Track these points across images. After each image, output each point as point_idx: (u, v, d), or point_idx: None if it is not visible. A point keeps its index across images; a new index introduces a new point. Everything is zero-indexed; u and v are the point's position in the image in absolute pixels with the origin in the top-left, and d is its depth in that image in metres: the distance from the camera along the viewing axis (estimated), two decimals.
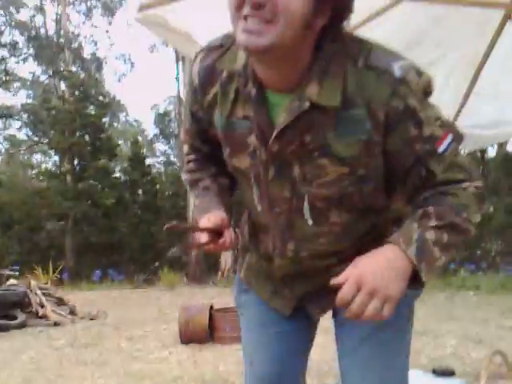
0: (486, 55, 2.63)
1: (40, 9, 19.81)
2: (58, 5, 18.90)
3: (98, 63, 20.68)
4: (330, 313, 1.26)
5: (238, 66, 1.04)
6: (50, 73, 18.58)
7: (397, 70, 0.95)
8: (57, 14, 19.13)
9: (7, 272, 7.76)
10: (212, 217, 1.13)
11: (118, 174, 16.14)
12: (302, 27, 0.91)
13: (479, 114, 2.95)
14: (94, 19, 24.88)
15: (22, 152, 20.45)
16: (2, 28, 19.28)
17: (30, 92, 20.86)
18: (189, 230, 1.16)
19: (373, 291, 0.91)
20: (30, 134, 18.85)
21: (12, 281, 6.98)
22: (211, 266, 12.11)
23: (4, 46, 18.69)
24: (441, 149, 0.99)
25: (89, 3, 20.61)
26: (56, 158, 16.92)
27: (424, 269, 0.96)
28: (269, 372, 1.29)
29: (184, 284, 10.99)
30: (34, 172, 18.91)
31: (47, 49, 18.57)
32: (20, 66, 31.84)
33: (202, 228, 1.12)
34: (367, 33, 2.10)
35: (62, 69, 17.50)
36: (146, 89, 39.15)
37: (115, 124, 22.52)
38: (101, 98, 16.16)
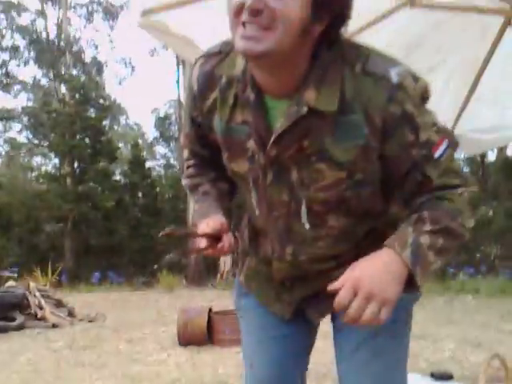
0: (486, 61, 2.64)
1: (41, 13, 19.86)
2: (60, 8, 18.96)
3: (99, 67, 20.72)
4: (328, 317, 1.26)
5: (236, 72, 1.05)
6: (51, 76, 18.61)
7: (394, 75, 0.96)
8: (58, 18, 19.19)
9: (6, 273, 7.76)
10: (211, 222, 1.14)
11: (118, 177, 16.15)
12: (299, 34, 0.92)
13: (479, 119, 2.96)
14: (95, 23, 24.98)
15: (22, 154, 20.47)
16: (4, 31, 19.36)
17: (31, 95, 20.90)
18: (185, 236, 1.17)
19: (369, 295, 0.92)
20: (31, 136, 18.88)
21: (11, 282, 6.99)
22: (210, 268, 12.10)
23: (5, 49, 18.75)
24: (437, 154, 1.00)
25: (90, 7, 20.69)
26: (56, 160, 16.93)
27: (419, 272, 0.97)
28: (268, 375, 1.29)
29: (183, 286, 10.98)
30: (34, 174, 18.93)
31: (48, 52, 18.60)
32: (21, 69, 31.99)
33: (199, 234, 1.13)
34: (369, 37, 2.13)
35: (62, 72, 17.54)
36: (146, 92, 39.22)
37: (115, 127, 22.54)
38: (101, 101, 16.17)
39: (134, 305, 8.16)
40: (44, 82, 20.43)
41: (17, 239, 13.68)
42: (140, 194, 15.03)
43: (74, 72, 18.56)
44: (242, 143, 1.08)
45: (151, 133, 31.20)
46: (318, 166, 1.03)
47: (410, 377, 1.32)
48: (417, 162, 1.00)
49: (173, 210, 14.66)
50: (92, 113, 15.17)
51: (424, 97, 1.00)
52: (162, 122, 21.33)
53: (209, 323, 4.69)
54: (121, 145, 19.66)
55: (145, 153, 18.44)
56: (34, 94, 20.48)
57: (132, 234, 13.71)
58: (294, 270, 1.20)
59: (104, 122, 15.82)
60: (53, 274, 9.79)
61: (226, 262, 11.31)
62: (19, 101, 28.33)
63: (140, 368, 4.01)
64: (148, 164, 17.19)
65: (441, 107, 2.84)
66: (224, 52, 1.09)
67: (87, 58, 20.70)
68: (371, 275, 0.94)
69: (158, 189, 15.51)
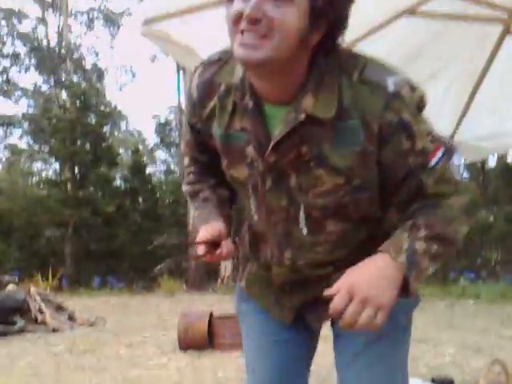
0: (485, 69, 2.66)
1: (42, 20, 19.93)
2: (60, 16, 19.03)
3: (100, 73, 20.77)
4: (329, 322, 1.27)
5: (235, 80, 1.06)
6: (52, 83, 18.66)
7: (391, 84, 0.98)
8: (59, 25, 19.26)
9: (7, 278, 7.76)
10: (210, 228, 1.16)
11: (118, 183, 16.15)
12: (297, 42, 0.94)
13: (479, 126, 2.98)
14: (96, 30, 25.08)
15: (22, 160, 20.49)
16: (5, 38, 19.43)
17: (32, 101, 20.95)
18: (177, 245, 1.18)
19: (365, 300, 0.93)
20: (31, 142, 18.91)
21: (11, 287, 6.99)
22: (211, 273, 12.09)
23: (6, 56, 18.81)
24: (432, 162, 1.02)
25: (90, 14, 20.76)
26: (57, 166, 16.95)
27: (413, 278, 0.98)
28: (269, 379, 1.30)
29: (184, 291, 10.95)
30: (34, 180, 18.95)
31: (49, 59, 18.66)
32: (22, 76, 32.02)
33: (197, 241, 1.14)
34: (369, 46, 2.15)
35: (63, 79, 17.58)
36: (146, 98, 39.23)
37: (116, 133, 22.57)
38: (102, 107, 16.20)
39: (135, 309, 8.15)
40: (45, 88, 20.48)
41: (17, 244, 13.67)
42: (140, 200, 15.03)
43: (75, 78, 18.60)
44: (241, 150, 1.09)
45: (152, 139, 31.24)
46: (317, 172, 1.04)
47: (411, 382, 1.33)
48: (412, 170, 1.02)
49: (173, 215, 14.65)
50: (92, 119, 15.21)
51: (420, 105, 1.02)
52: (162, 128, 21.33)
53: (209, 328, 4.68)
54: (121, 151, 19.67)
55: (145, 158, 18.45)
56: (35, 100, 20.50)
57: (132, 239, 13.69)
58: (293, 275, 1.21)
59: (104, 128, 15.84)
60: (53, 278, 9.80)
61: (226, 267, 11.29)
62: (20, 107, 28.38)
63: (140, 372, 4.01)
64: (148, 170, 17.21)
65: (442, 114, 2.88)
66: (223, 60, 1.11)
67: (88, 65, 20.77)
68: (366, 280, 0.95)
69: (158, 194, 15.51)
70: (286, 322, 1.27)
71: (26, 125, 18.74)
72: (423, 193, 1.03)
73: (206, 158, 1.25)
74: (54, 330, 5.99)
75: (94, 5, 21.77)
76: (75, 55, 19.59)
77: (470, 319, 6.32)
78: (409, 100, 0.99)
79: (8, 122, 18.75)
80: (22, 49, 19.73)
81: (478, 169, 13.62)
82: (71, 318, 6.57)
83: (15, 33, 19.71)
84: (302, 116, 0.99)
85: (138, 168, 14.87)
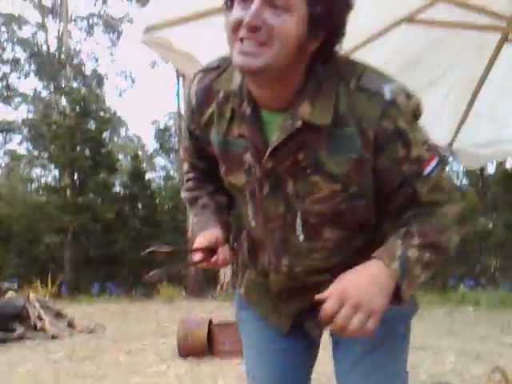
0: (484, 77, 2.68)
1: (42, 26, 20.00)
2: (60, 21, 19.10)
3: (99, 79, 20.83)
4: (328, 329, 1.27)
5: (233, 86, 1.07)
6: (52, 88, 18.70)
7: (387, 92, 0.99)
8: (58, 30, 19.33)
9: (6, 285, 7.75)
10: (207, 235, 1.16)
11: (117, 189, 16.16)
12: (295, 50, 0.94)
13: (477, 134, 2.99)
14: (96, 36, 25.18)
15: (22, 166, 20.50)
16: (5, 44, 19.49)
17: (31, 107, 20.99)
18: (168, 254, 1.18)
19: (357, 305, 0.94)
20: (31, 148, 18.94)
21: (11, 293, 6.98)
22: (210, 279, 12.07)
23: (6, 62, 18.86)
24: (427, 171, 1.03)
25: (90, 20, 20.84)
26: (56, 172, 16.95)
27: (405, 285, 0.99)
28: None
29: (183, 298, 10.95)
30: (34, 186, 18.95)
31: (48, 65, 18.71)
32: (21, 82, 32.07)
33: (194, 248, 1.14)
34: (368, 53, 2.17)
35: (63, 85, 17.62)
36: (146, 104, 39.31)
37: (115, 139, 22.60)
38: (101, 113, 16.23)
39: (134, 316, 8.14)
40: (44, 94, 20.54)
41: (17, 250, 13.65)
42: (140, 206, 15.03)
43: (75, 84, 18.65)
44: (238, 156, 1.10)
45: (151, 144, 31.26)
46: (313, 179, 1.05)
47: None
48: (407, 178, 1.03)
49: (172, 221, 14.65)
50: (92, 125, 15.23)
51: (416, 114, 1.03)
52: (161, 134, 21.37)
53: (209, 335, 4.68)
54: (121, 156, 19.70)
55: (145, 164, 18.48)
56: (35, 106, 20.55)
57: (132, 246, 13.67)
58: (290, 282, 1.21)
59: (104, 134, 15.86)
60: (52, 285, 9.79)
61: (226, 274, 11.28)
62: (19, 113, 28.42)
63: (139, 379, 4.00)
64: (148, 175, 17.24)
65: (440, 121, 2.89)
66: (222, 67, 1.12)
67: (87, 71, 20.84)
68: (358, 286, 0.95)
69: (157, 200, 15.52)
70: (283, 330, 1.27)
71: (25, 131, 18.77)
72: (417, 201, 1.04)
73: (205, 164, 1.26)
74: (54, 337, 5.98)
75: (93, 10, 21.84)
76: (75, 61, 19.65)
77: (469, 326, 6.32)
78: (405, 108, 1.00)
79: (8, 128, 18.79)
80: (21, 54, 19.82)
81: (477, 175, 13.66)
82: (70, 324, 6.57)
83: (15, 38, 19.79)
84: (299, 123, 1.00)
85: (137, 174, 14.88)
